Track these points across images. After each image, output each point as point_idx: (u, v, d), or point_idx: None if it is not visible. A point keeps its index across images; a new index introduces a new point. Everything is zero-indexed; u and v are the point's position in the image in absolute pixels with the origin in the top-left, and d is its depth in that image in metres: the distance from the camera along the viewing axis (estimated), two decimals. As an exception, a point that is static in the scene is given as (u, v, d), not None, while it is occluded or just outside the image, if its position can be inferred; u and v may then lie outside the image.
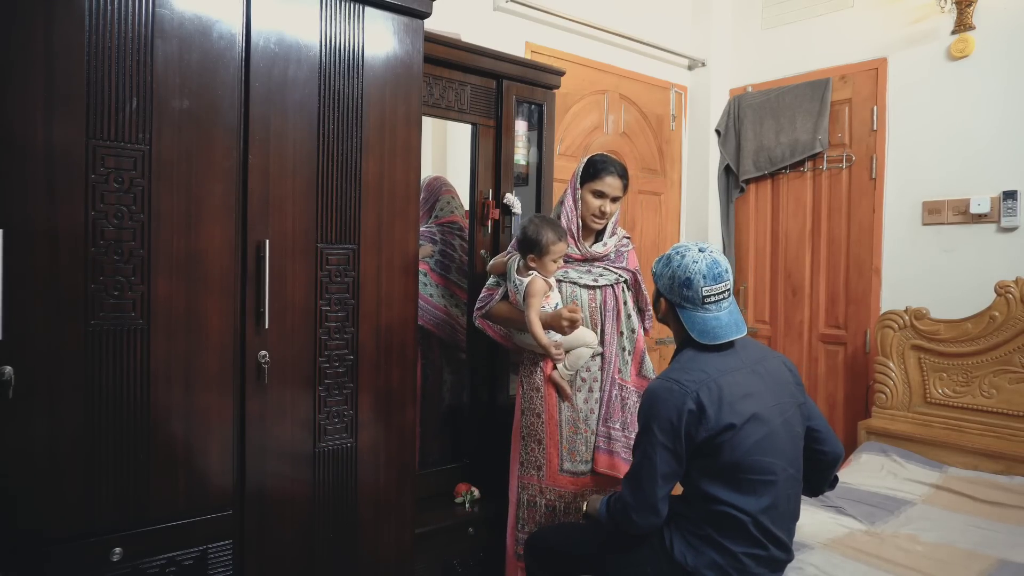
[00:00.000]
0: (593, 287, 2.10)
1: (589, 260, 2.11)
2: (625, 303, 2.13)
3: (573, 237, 2.08)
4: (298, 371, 1.68)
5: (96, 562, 1.42)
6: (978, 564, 1.87)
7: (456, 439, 2.50)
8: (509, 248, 2.13)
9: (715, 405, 1.47)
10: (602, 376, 2.08)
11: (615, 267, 2.13)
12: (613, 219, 2.14)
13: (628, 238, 2.22)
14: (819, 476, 1.73)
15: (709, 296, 1.56)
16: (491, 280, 2.15)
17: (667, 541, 1.55)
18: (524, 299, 1.97)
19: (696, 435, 1.47)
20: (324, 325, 1.71)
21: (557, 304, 2.04)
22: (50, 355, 1.36)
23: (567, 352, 2.03)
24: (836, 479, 1.81)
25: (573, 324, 1.95)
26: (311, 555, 1.72)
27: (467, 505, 2.29)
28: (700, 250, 1.59)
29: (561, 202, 2.14)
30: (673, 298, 1.61)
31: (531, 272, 1.99)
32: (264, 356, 1.61)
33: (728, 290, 1.59)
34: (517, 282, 2.00)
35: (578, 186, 2.09)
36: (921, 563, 1.86)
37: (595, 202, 2.07)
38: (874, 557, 1.90)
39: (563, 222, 2.07)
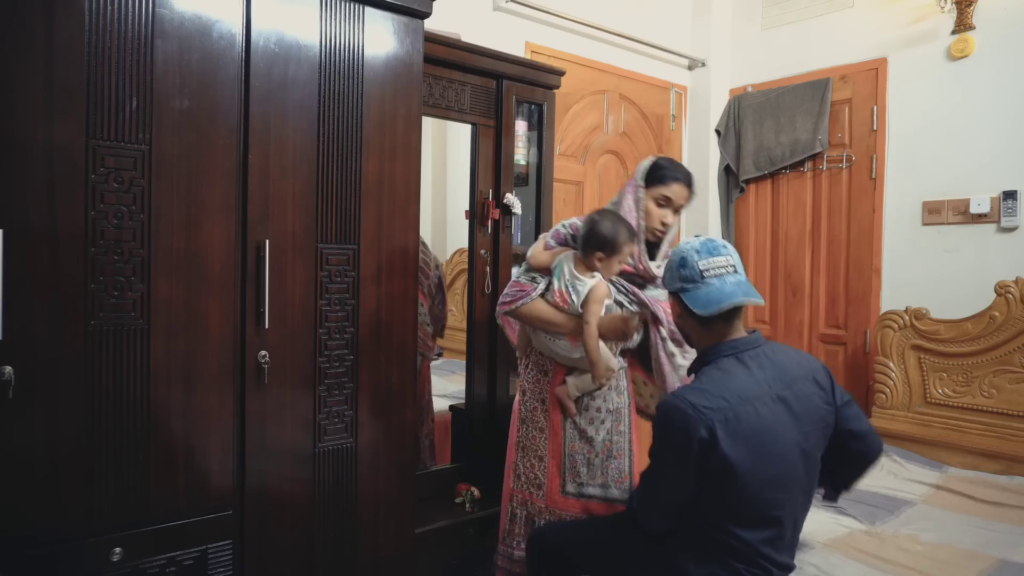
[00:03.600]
0: (628, 308, 1.91)
1: (642, 278, 1.91)
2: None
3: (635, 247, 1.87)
4: (298, 371, 1.68)
5: (96, 562, 1.42)
6: (978, 564, 1.87)
7: (456, 439, 2.50)
8: (549, 240, 1.92)
9: (729, 438, 1.37)
10: (619, 400, 1.91)
11: (654, 295, 1.93)
12: (670, 238, 1.93)
13: None
14: (852, 474, 1.63)
15: (708, 269, 1.46)
16: (523, 275, 1.89)
17: (671, 549, 1.54)
18: (584, 304, 1.78)
19: (706, 461, 1.39)
20: (324, 325, 1.71)
21: (609, 307, 1.85)
22: (50, 355, 1.36)
23: (580, 372, 1.87)
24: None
25: (629, 336, 1.82)
26: (311, 555, 1.72)
27: (467, 505, 2.29)
28: (696, 236, 1.55)
29: (616, 204, 1.92)
30: (675, 286, 1.51)
31: (594, 275, 1.80)
32: (264, 356, 1.61)
33: (733, 266, 1.48)
34: (578, 283, 1.79)
35: (641, 186, 1.88)
36: (921, 563, 1.86)
37: (658, 211, 1.87)
38: (874, 557, 1.90)
39: None
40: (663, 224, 1.88)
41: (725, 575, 1.46)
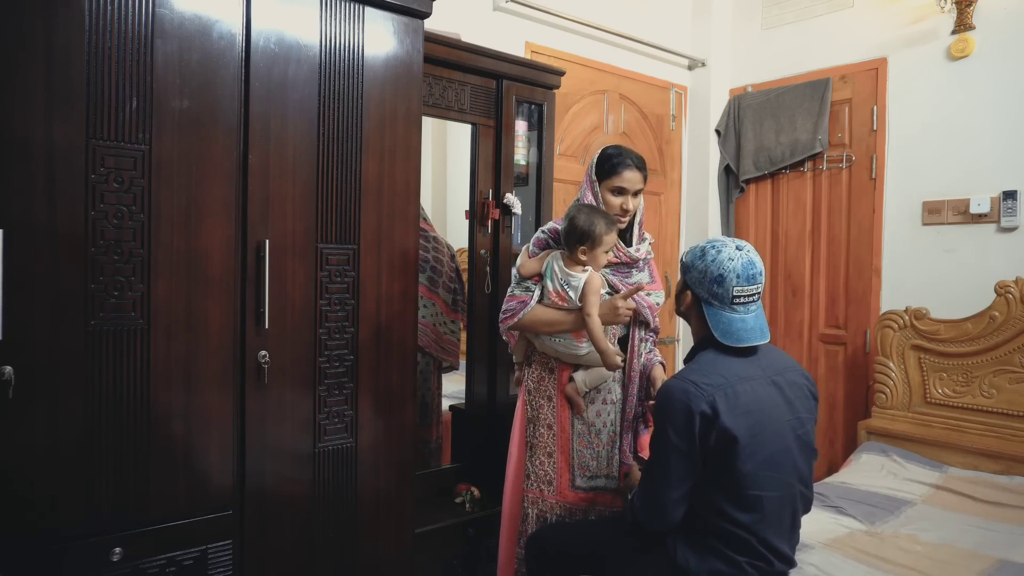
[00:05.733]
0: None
1: (626, 264, 1.95)
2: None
3: None
4: (298, 371, 1.68)
5: (96, 562, 1.42)
6: (978, 564, 1.87)
7: (456, 439, 2.50)
8: (532, 248, 1.97)
9: (729, 412, 1.42)
10: (623, 393, 1.95)
11: (639, 279, 1.97)
12: (638, 219, 1.98)
13: (651, 244, 2.04)
14: None
15: (739, 297, 1.50)
16: (517, 287, 1.94)
17: (671, 545, 1.54)
18: (583, 297, 1.81)
19: (708, 439, 1.42)
20: (324, 325, 1.71)
21: (604, 297, 1.88)
22: (50, 355, 1.36)
23: (587, 368, 1.91)
24: None
25: (629, 314, 1.85)
26: (311, 555, 1.72)
27: (467, 505, 2.29)
28: (737, 248, 1.52)
29: (580, 200, 1.96)
30: (701, 293, 1.54)
31: (586, 268, 1.84)
32: (264, 356, 1.61)
33: (759, 293, 1.53)
34: (573, 279, 1.83)
35: (595, 180, 1.92)
36: (921, 563, 1.86)
37: (616, 200, 1.90)
38: (874, 557, 1.90)
39: None
40: (624, 210, 1.92)
41: (727, 569, 1.46)
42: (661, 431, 1.48)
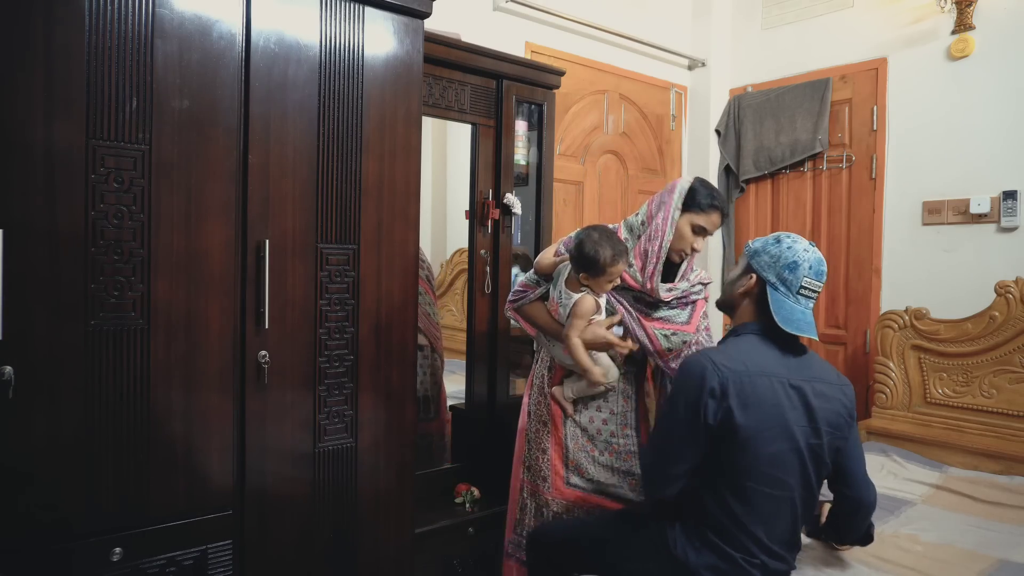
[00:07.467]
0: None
1: (650, 297, 1.89)
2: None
3: (651, 265, 1.84)
4: (298, 371, 1.68)
5: (96, 562, 1.42)
6: (978, 564, 1.87)
7: (456, 439, 2.50)
8: (559, 247, 1.94)
9: (737, 399, 1.44)
10: (625, 405, 1.95)
11: (666, 315, 1.90)
12: (692, 257, 1.94)
13: (705, 284, 1.97)
14: (844, 521, 1.68)
15: (806, 289, 1.53)
16: (530, 276, 1.98)
17: (670, 537, 1.56)
18: (569, 317, 1.82)
19: (713, 418, 1.44)
20: (324, 325, 1.71)
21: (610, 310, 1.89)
22: (50, 355, 1.36)
23: (577, 377, 1.91)
24: (870, 536, 1.73)
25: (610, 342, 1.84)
26: (311, 555, 1.72)
27: (467, 505, 2.29)
28: (811, 244, 1.57)
29: (650, 216, 1.88)
30: (769, 277, 1.54)
31: (583, 288, 1.82)
32: (264, 356, 1.61)
33: (819, 293, 1.56)
34: (565, 297, 1.83)
35: (678, 207, 1.85)
36: (921, 563, 1.86)
37: (691, 237, 1.86)
38: (874, 557, 1.89)
39: (642, 243, 1.87)
40: (693, 250, 1.89)
41: (723, 565, 1.49)
42: (672, 403, 1.52)
